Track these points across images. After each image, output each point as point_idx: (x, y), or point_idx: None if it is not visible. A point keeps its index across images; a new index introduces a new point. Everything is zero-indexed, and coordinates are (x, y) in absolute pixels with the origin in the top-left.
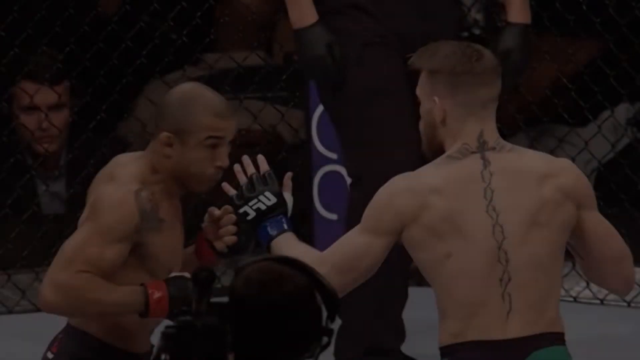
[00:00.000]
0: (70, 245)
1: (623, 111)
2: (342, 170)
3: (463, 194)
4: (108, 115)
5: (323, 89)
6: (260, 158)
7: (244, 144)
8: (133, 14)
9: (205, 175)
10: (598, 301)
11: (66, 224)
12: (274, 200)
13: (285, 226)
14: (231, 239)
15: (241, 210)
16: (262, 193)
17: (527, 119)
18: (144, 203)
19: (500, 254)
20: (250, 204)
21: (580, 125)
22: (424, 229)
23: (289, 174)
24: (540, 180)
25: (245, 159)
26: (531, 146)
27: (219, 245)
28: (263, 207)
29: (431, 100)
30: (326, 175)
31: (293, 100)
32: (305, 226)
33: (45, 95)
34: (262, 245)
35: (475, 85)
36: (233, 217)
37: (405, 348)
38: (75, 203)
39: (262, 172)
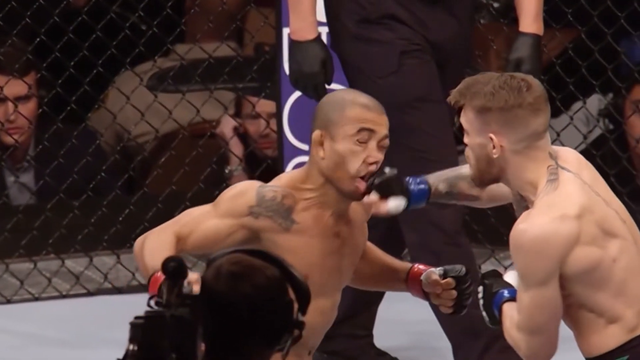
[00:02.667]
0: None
1: (595, 102)
2: None
3: (591, 202)
4: (78, 106)
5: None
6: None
7: (214, 134)
8: (103, 5)
9: (355, 171)
10: None
11: (35, 215)
12: (481, 289)
13: (499, 297)
14: (447, 310)
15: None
16: (466, 291)
17: None
18: (266, 191)
19: (634, 239)
20: (482, 304)
21: (552, 116)
22: (589, 247)
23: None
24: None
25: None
26: None
27: (435, 300)
28: (482, 302)
29: (485, 137)
30: (298, 166)
31: (264, 91)
32: None
33: (13, 87)
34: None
35: (531, 117)
36: (454, 294)
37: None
38: (45, 194)
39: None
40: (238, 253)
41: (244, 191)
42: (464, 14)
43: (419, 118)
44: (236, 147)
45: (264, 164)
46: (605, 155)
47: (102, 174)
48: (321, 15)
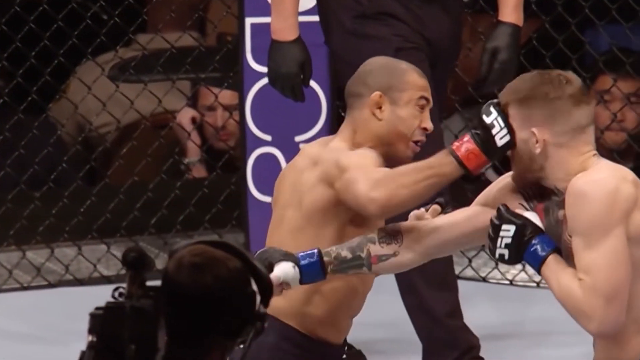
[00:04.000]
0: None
1: None
2: (276, 152)
3: None
4: (39, 97)
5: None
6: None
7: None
8: None
9: (413, 136)
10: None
11: None
12: (512, 228)
13: (541, 250)
14: None
15: (497, 255)
16: (499, 230)
17: (462, 100)
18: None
19: None
20: (498, 244)
21: None
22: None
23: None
24: None
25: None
26: (466, 127)
27: None
28: (509, 240)
29: (527, 131)
30: (260, 157)
31: (227, 81)
32: (239, 208)
33: None
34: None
35: (573, 109)
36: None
37: None
38: (5, 185)
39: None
40: (200, 244)
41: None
42: (457, 11)
43: None
44: (195, 138)
45: (225, 155)
46: None
47: (64, 164)
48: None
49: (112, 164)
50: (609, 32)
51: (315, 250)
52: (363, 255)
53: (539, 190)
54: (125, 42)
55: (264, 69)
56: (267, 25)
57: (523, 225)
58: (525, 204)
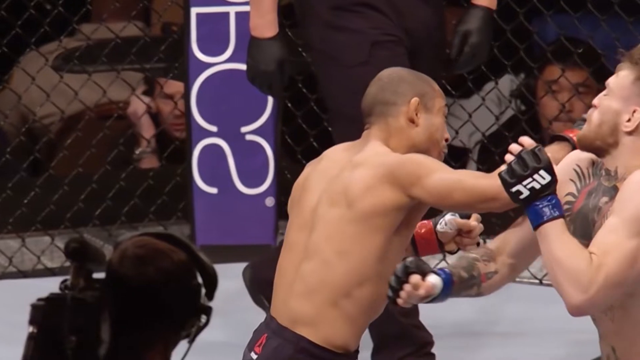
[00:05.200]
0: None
1: (507, 83)
2: (222, 143)
3: None
4: None
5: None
6: (526, 141)
7: (121, 116)
8: None
9: (443, 143)
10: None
11: None
12: (548, 178)
13: (557, 210)
14: (473, 247)
15: (514, 189)
16: (536, 171)
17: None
18: None
19: None
20: (525, 182)
21: (464, 96)
22: None
23: None
24: None
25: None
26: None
27: (451, 247)
28: (537, 186)
29: (627, 106)
30: (206, 148)
31: (172, 71)
32: (184, 200)
33: None
34: (531, 225)
35: None
36: (482, 228)
37: None
38: None
39: (530, 148)
40: (145, 236)
41: None
42: (437, 1)
43: None
44: (148, 128)
45: (172, 146)
46: (517, 136)
47: (7, 156)
48: None
49: (56, 155)
50: (557, 22)
51: (447, 270)
52: (475, 274)
53: (592, 171)
54: (70, 32)
55: (209, 59)
56: (213, 15)
57: (554, 183)
58: (576, 182)
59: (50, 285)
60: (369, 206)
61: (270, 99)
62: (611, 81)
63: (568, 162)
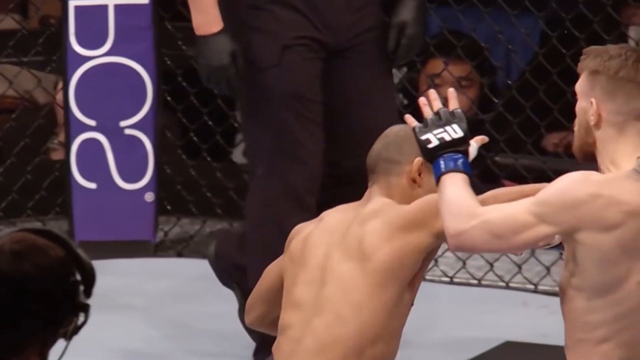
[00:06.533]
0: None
1: None
2: (101, 138)
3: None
4: None
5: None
6: (451, 93)
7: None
8: None
9: None
10: None
11: None
12: (460, 134)
13: (462, 166)
14: None
15: (423, 137)
16: (449, 124)
17: None
18: None
19: None
20: (435, 132)
21: None
22: (618, 246)
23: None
24: None
25: (432, 92)
26: None
27: None
28: (448, 138)
29: (588, 101)
30: (84, 142)
31: (50, 65)
32: (63, 195)
33: None
34: (435, 177)
35: (636, 96)
36: None
37: None
38: None
39: (451, 109)
40: (23, 232)
41: None
42: None
43: (291, 115)
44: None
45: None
46: None
47: None
48: None
49: None
50: (440, 15)
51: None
52: None
53: None
54: None
55: (88, 53)
56: (91, 7)
57: (465, 141)
58: None
59: None
60: (386, 256)
61: (150, 93)
62: (576, 84)
63: None
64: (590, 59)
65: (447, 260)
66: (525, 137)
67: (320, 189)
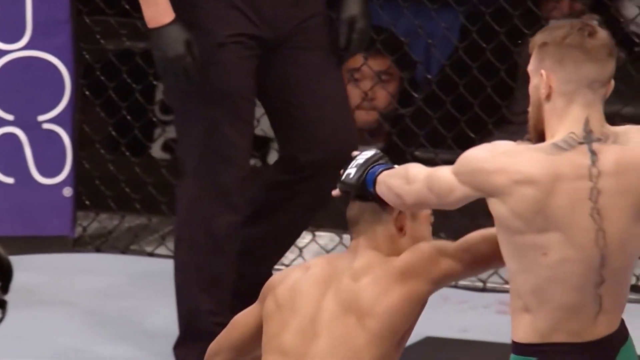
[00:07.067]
0: None
1: None
2: (19, 132)
3: (567, 191)
4: None
5: (173, 86)
6: None
7: None
8: None
9: None
10: None
11: None
12: (370, 153)
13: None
14: None
15: (343, 179)
16: (354, 157)
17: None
18: None
19: (600, 260)
20: (347, 168)
21: None
22: (511, 213)
23: None
24: None
25: None
26: None
27: None
28: (362, 160)
29: (538, 74)
30: (2, 137)
31: None
32: None
33: None
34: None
35: (584, 62)
36: None
37: None
38: None
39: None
40: None
41: None
42: None
43: (222, 114)
44: None
45: None
46: None
47: None
48: None
49: None
50: None
51: None
52: None
53: None
54: None
55: (5, 47)
56: (8, 0)
57: (380, 155)
58: None
59: None
60: (387, 309)
61: (68, 87)
62: (528, 65)
63: None
64: (538, 35)
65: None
66: (445, 132)
67: (282, 186)
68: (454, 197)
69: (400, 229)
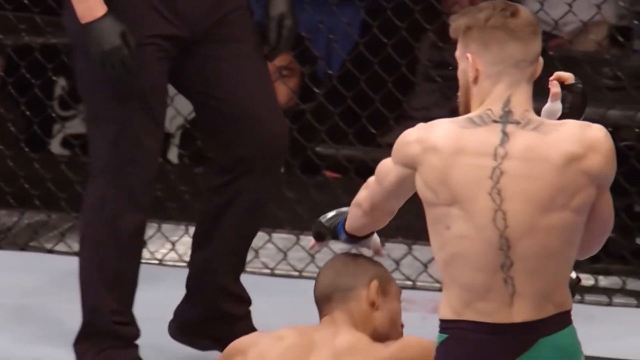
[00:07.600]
0: None
1: None
2: None
3: (467, 166)
4: None
5: (89, 84)
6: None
7: None
8: None
9: (400, 330)
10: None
11: None
12: (330, 214)
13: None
14: None
15: (323, 221)
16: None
17: None
18: None
19: (502, 242)
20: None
21: None
22: (423, 183)
23: None
24: (563, 164)
25: None
26: None
27: None
28: (328, 224)
29: (465, 58)
30: None
31: None
32: None
33: None
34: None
35: (508, 42)
36: None
37: None
38: None
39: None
40: None
41: None
42: None
43: (133, 115)
44: None
45: None
46: None
47: None
48: None
49: None
50: (261, 4)
51: None
52: None
53: None
54: None
55: None
56: None
57: (338, 214)
58: None
59: None
60: None
61: None
62: (456, 52)
63: None
64: (462, 18)
65: (268, 252)
66: (346, 127)
67: (221, 190)
68: (390, 178)
69: (372, 304)
